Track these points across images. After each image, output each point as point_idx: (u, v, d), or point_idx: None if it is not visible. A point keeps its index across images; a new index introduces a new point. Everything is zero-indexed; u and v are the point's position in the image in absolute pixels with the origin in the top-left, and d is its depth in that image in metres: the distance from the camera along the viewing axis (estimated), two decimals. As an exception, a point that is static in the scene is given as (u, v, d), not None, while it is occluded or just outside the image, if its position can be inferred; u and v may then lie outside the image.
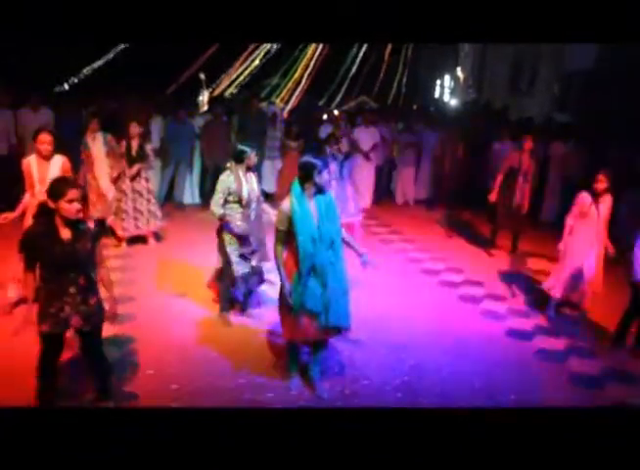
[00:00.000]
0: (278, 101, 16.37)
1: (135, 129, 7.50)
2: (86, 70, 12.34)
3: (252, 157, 5.44)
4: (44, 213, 3.56)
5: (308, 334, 4.29)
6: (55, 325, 3.63)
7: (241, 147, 5.52)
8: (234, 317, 5.77)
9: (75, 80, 12.10)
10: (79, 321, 3.67)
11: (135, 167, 7.49)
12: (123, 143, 7.49)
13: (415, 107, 16.33)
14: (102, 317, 3.86)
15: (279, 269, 4.23)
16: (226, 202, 5.33)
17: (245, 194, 5.35)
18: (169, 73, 14.96)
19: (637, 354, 5.40)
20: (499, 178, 7.99)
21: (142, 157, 7.54)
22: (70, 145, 9.09)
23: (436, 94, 22.47)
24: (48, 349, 3.73)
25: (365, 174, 10.48)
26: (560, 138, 10.07)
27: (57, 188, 3.50)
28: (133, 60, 13.96)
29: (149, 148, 7.67)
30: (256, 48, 17.09)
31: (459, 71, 20.35)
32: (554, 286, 6.17)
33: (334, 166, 7.51)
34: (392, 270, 7.27)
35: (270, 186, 10.40)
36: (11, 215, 5.30)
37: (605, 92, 13.31)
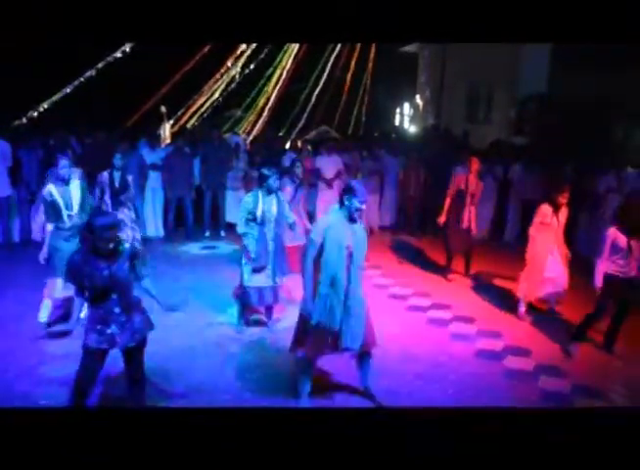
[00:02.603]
0: (240, 132, 16.40)
1: (119, 161, 7.62)
2: (46, 104, 12.21)
3: (271, 181, 5.80)
4: (82, 242, 3.79)
5: (327, 351, 4.48)
6: (101, 342, 3.79)
7: (262, 171, 5.93)
8: (251, 330, 6.16)
9: (35, 114, 11.96)
10: (125, 337, 3.82)
11: (122, 197, 7.52)
12: (105, 174, 7.53)
13: (376, 134, 16.55)
14: (146, 332, 3.98)
15: (306, 284, 4.38)
16: (248, 220, 5.82)
17: (259, 214, 5.74)
18: (129, 106, 14.93)
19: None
20: (448, 201, 8.04)
21: (125, 187, 7.59)
22: (30, 176, 9.04)
23: (396, 121, 22.82)
24: (89, 363, 3.83)
25: (327, 202, 10.49)
26: (518, 161, 10.31)
27: (96, 226, 3.63)
28: (93, 92, 13.90)
29: (130, 178, 7.69)
30: (221, 77, 17.17)
31: (418, 99, 20.73)
32: (525, 290, 6.75)
33: (289, 189, 7.61)
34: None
35: (234, 217, 10.33)
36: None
37: (558, 115, 13.75)
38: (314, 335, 4.40)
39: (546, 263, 6.55)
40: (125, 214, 7.57)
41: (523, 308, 6.80)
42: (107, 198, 7.51)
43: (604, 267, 5.60)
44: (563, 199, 6.44)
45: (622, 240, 5.53)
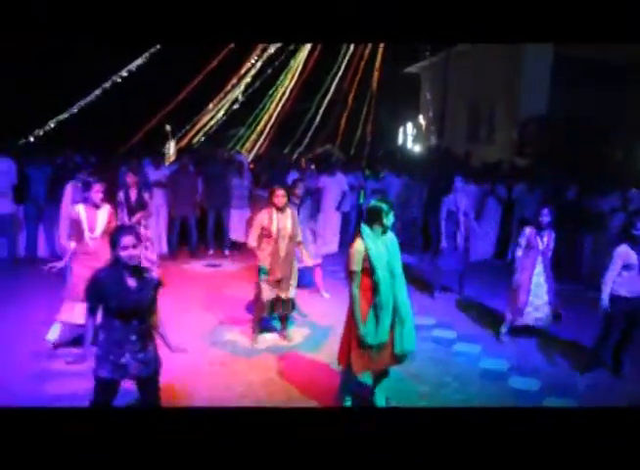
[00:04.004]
0: (243, 150, 16.49)
1: (132, 179, 7.65)
2: (52, 123, 12.30)
3: (277, 198, 6.01)
4: (113, 263, 3.63)
5: (380, 364, 4.56)
6: (113, 371, 3.64)
7: (272, 188, 6.19)
8: (256, 349, 6.17)
9: (41, 133, 12.05)
10: (137, 368, 3.69)
11: (137, 215, 7.55)
12: (120, 193, 7.56)
13: (380, 153, 16.66)
14: (158, 364, 3.86)
15: (355, 310, 4.41)
16: (262, 236, 6.04)
17: (274, 230, 5.98)
18: (135, 124, 15.04)
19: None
20: (442, 225, 8.11)
21: (142, 205, 7.62)
22: (37, 194, 9.09)
23: (400, 141, 22.93)
24: (102, 394, 3.71)
25: (331, 220, 10.54)
26: (521, 181, 10.37)
27: (113, 237, 3.61)
28: (99, 111, 14.01)
29: (146, 196, 7.73)
30: (225, 95, 17.28)
31: (421, 119, 20.86)
32: (513, 313, 6.58)
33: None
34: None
35: (239, 235, 10.36)
36: (58, 264, 5.79)
37: (559, 135, 13.83)
38: (364, 352, 4.46)
39: (531, 287, 6.42)
40: (142, 234, 7.62)
41: (504, 330, 6.64)
42: (124, 216, 7.53)
43: (610, 287, 5.53)
44: (543, 218, 6.34)
45: (634, 257, 5.46)
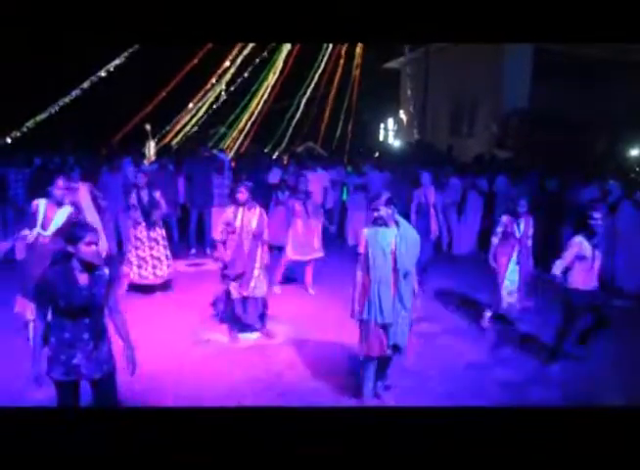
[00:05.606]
0: (225, 149, 16.42)
1: (143, 179, 7.58)
2: (30, 124, 12.14)
3: (239, 193, 6.09)
4: (61, 259, 3.53)
5: (380, 349, 4.71)
6: (66, 373, 3.54)
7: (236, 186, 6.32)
8: (239, 348, 6.15)
9: (18, 134, 11.88)
10: (91, 368, 3.58)
11: (154, 215, 7.53)
12: (132, 195, 7.50)
13: (361, 150, 16.68)
14: (113, 365, 3.74)
15: (357, 289, 4.70)
16: (227, 231, 6.14)
17: (237, 225, 6.06)
18: (114, 124, 14.92)
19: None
20: (412, 218, 8.15)
21: (153, 205, 7.55)
22: (17, 195, 8.97)
23: (381, 137, 22.95)
24: (63, 398, 3.62)
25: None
26: (502, 173, 10.42)
27: (75, 232, 3.51)
28: (78, 111, 13.88)
29: (157, 195, 7.64)
30: (205, 94, 17.18)
31: (401, 114, 20.88)
32: (490, 300, 6.80)
33: (299, 206, 7.70)
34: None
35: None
36: (3, 245, 5.71)
37: (540, 129, 13.94)
38: (371, 335, 4.68)
39: (507, 273, 6.61)
40: (158, 233, 7.65)
41: (487, 315, 6.82)
42: (138, 218, 7.49)
43: (560, 270, 5.50)
44: (520, 208, 6.52)
45: (588, 248, 5.44)
